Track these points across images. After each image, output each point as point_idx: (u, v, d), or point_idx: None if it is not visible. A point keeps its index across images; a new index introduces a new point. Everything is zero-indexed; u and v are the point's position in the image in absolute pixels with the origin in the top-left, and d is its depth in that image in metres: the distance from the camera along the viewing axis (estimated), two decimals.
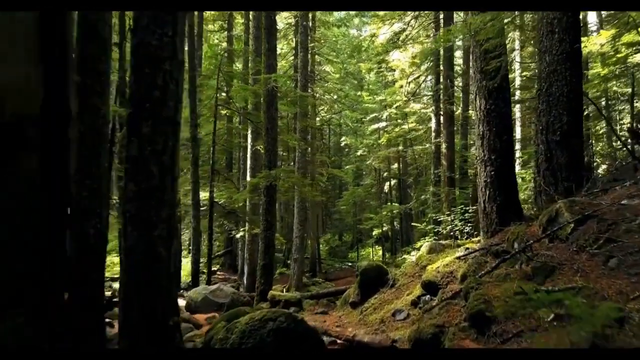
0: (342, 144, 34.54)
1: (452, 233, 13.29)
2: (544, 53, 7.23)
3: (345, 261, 30.82)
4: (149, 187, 3.81)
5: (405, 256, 14.70)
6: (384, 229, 27.46)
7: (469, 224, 13.10)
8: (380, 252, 28.88)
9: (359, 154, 29.03)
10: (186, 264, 17.58)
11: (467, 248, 6.84)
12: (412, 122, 23.38)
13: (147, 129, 3.83)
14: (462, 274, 5.70)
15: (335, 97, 25.08)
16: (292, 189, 12.11)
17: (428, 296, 6.04)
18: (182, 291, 16.18)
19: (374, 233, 27.88)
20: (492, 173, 6.58)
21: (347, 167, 31.71)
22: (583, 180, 7.22)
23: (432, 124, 17.60)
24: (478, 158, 6.76)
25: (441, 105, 16.78)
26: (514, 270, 4.56)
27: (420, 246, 22.96)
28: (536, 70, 9.08)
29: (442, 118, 17.14)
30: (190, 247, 21.73)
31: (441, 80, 17.23)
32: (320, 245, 32.90)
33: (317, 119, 27.64)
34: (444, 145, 16.54)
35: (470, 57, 7.12)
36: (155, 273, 3.82)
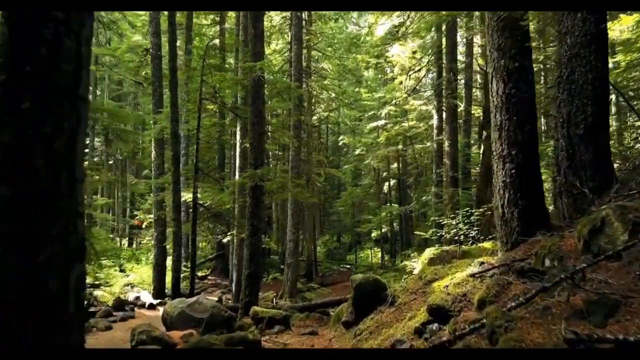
0: (341, 143, 33.33)
1: (456, 237, 12.08)
2: (564, 35, 6.04)
3: (343, 263, 29.61)
4: (31, 189, 2.51)
5: (406, 262, 13.50)
6: (383, 230, 26.26)
7: (474, 228, 11.90)
8: (380, 255, 27.68)
9: (357, 153, 27.83)
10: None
11: (482, 263, 5.61)
12: (412, 120, 22.17)
13: (28, 103, 2.53)
14: (479, 299, 4.48)
15: (332, 94, 23.87)
16: (285, 189, 10.93)
17: (436, 325, 4.82)
18: (167, 299, 14.98)
19: (372, 235, 26.67)
20: (513, 171, 5.36)
21: (346, 166, 30.49)
22: (612, 180, 6.04)
23: (434, 121, 16.38)
24: (495, 154, 5.54)
25: (443, 100, 15.57)
26: (556, 302, 3.34)
27: (422, 253, 21.65)
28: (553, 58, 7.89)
29: (444, 114, 15.93)
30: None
31: (444, 74, 16.03)
32: (318, 247, 31.69)
33: (314, 117, 26.45)
34: (446, 143, 15.33)
35: (486, 32, 5.90)
36: (41, 318, 2.52)
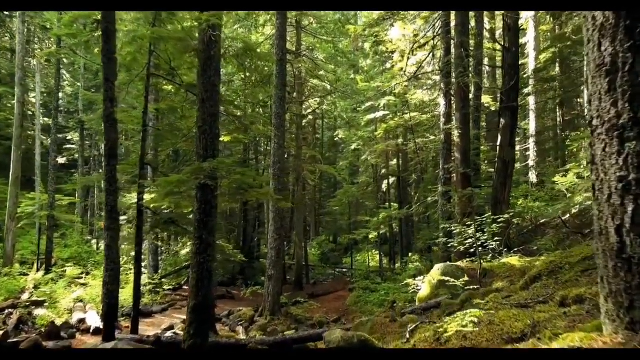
0: (337, 139, 30.43)
1: (472, 250, 9.18)
2: None
3: (338, 267, 26.70)
4: None
5: (408, 281, 10.58)
6: (382, 231, 23.33)
7: (495, 239, 8.99)
8: (378, 258, 24.74)
9: (353, 148, 24.90)
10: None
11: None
12: (414, 111, 19.24)
13: None
14: None
15: (325, 83, 20.89)
16: (246, 190, 8.03)
17: None
18: (121, 320, 12.11)
19: (370, 237, 23.71)
20: None
21: (341, 163, 27.53)
22: None
23: (441, 107, 13.44)
24: (600, 128, 2.63)
25: (453, 82, 12.65)
26: None
27: (416, 258, 18.44)
28: None
29: (453, 100, 13.01)
30: (148, 262, 17.63)
31: (452, 50, 13.11)
32: (312, 249, 28.79)
33: (308, 110, 23.52)
34: (456, 133, 12.42)
35: None
36: None
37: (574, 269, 5.45)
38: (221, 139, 10.75)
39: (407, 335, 4.80)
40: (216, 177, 7.01)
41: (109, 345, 6.43)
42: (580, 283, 4.85)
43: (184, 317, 10.25)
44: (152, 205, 8.77)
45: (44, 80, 25.90)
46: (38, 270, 17.47)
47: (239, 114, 10.84)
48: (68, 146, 28.70)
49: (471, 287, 8.28)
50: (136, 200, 9.19)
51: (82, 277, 17.07)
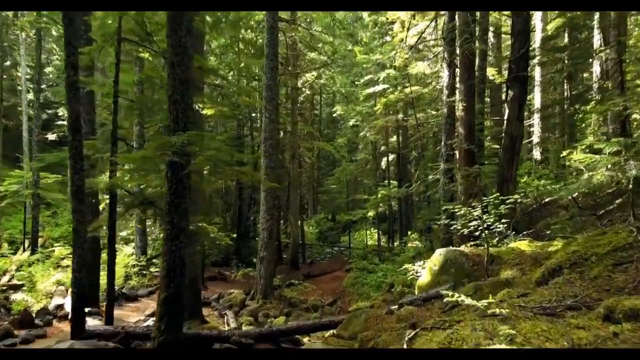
0: (335, 115, 29.27)
1: (476, 233, 8.27)
2: None
3: (337, 245, 25.95)
4: None
5: (407, 266, 9.72)
6: (380, 209, 22.45)
7: (502, 221, 8.07)
8: (376, 236, 23.91)
9: (351, 124, 23.80)
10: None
11: None
12: (414, 84, 18.08)
13: None
14: None
15: (322, 55, 19.68)
16: (223, 169, 7.05)
17: None
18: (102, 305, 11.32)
19: (369, 214, 22.86)
20: None
21: (339, 140, 26.45)
22: None
23: (444, 78, 12.36)
24: None
25: (457, 51, 11.52)
26: None
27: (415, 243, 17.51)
28: None
29: (457, 70, 11.90)
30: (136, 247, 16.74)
31: (456, 18, 11.93)
32: (310, 228, 28.00)
33: (305, 84, 22.33)
34: (460, 106, 11.37)
35: None
36: None
37: (602, 262, 4.52)
38: (204, 112, 9.75)
39: (405, 346, 3.91)
40: (187, 153, 6.03)
41: (65, 344, 5.59)
42: (616, 281, 3.94)
43: None
44: (115, 186, 7.81)
45: (32, 54, 24.62)
46: (24, 250, 16.69)
47: (224, 84, 9.74)
48: (59, 122, 27.60)
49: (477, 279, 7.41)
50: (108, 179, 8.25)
51: (70, 257, 16.27)
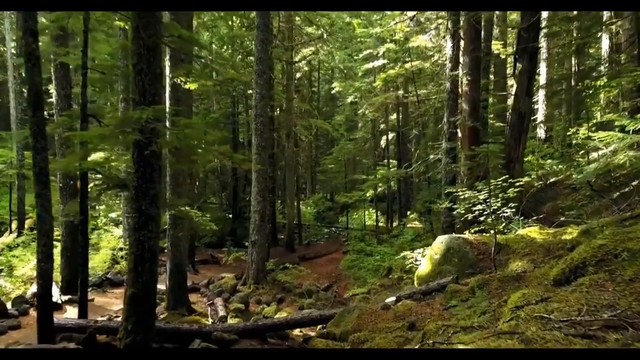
0: (333, 92, 28.21)
1: (481, 218, 7.53)
2: None
3: (335, 226, 25.29)
4: None
5: (405, 253, 9.02)
6: (379, 189, 21.70)
7: (510, 205, 7.32)
8: (375, 216, 23.22)
9: (349, 101, 22.83)
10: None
11: None
12: (415, 59, 17.08)
13: None
14: None
15: (319, 28, 18.58)
16: (203, 151, 6.25)
17: None
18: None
19: (367, 194, 22.13)
20: None
21: (337, 118, 25.49)
22: None
23: (447, 50, 11.41)
24: None
25: (461, 20, 10.57)
26: None
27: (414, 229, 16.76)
28: None
29: (462, 42, 10.95)
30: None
31: None
32: (308, 208, 27.31)
33: (301, 60, 21.27)
34: (464, 80, 10.49)
35: None
36: None
37: (637, 260, 3.77)
38: (187, 87, 8.88)
39: None
40: (154, 132, 5.23)
41: (20, 345, 4.92)
42: None
43: (160, 286, 8.70)
44: (73, 168, 7.03)
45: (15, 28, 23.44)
46: (11, 232, 16.02)
47: (213, 58, 8.85)
48: (50, 100, 26.58)
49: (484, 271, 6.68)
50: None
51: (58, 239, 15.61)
